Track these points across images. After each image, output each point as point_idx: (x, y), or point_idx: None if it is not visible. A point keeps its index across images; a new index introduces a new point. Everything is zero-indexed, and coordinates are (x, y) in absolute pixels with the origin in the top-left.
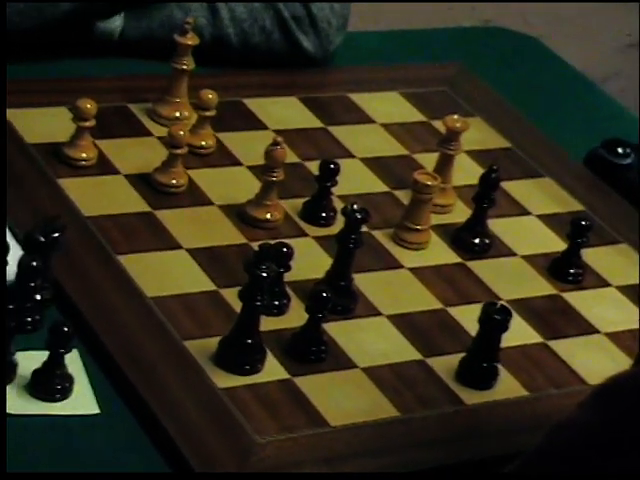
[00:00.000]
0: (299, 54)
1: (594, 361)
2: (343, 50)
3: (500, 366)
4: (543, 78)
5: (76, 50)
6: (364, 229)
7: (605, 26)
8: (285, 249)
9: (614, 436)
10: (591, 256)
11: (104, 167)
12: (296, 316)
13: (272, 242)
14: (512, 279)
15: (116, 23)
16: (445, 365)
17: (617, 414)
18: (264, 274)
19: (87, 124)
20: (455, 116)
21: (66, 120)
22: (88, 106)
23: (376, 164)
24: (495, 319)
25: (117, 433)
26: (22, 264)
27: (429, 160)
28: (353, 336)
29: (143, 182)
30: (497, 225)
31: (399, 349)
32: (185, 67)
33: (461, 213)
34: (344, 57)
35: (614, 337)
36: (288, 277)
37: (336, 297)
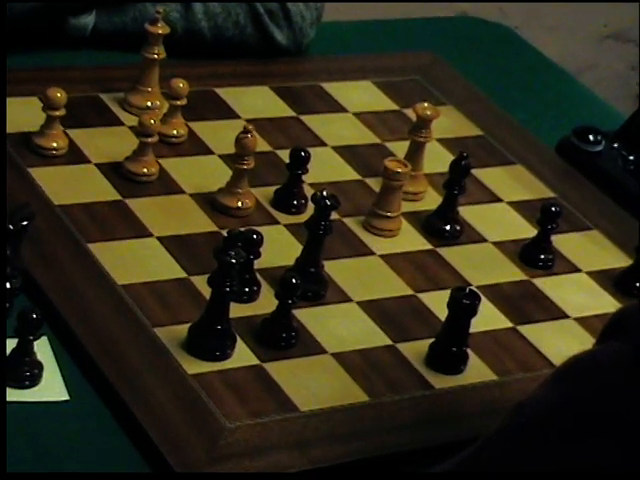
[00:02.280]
0: (273, 48)
1: (563, 345)
2: (316, 40)
3: (469, 351)
4: (516, 67)
5: (48, 41)
6: (335, 216)
7: (582, 18)
8: (255, 236)
9: (573, 415)
10: (562, 242)
11: (75, 156)
12: (266, 302)
13: (242, 229)
14: (483, 265)
15: (88, 18)
16: (415, 350)
17: (576, 393)
18: (232, 260)
19: (57, 113)
20: (425, 104)
21: (37, 110)
22: (58, 95)
23: (348, 152)
24: (463, 304)
25: (87, 420)
26: None
27: (401, 148)
28: (323, 322)
29: (114, 171)
30: (468, 212)
31: (369, 335)
32: (156, 56)
33: (432, 200)
34: (317, 47)
35: (583, 322)
36: (259, 264)
37: (306, 283)
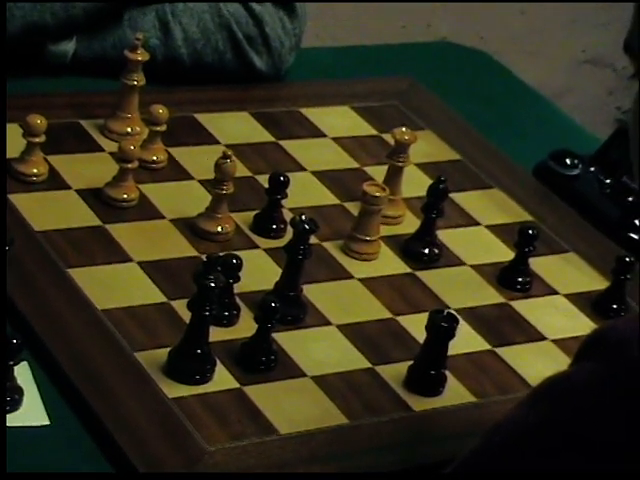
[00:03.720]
0: (252, 74)
1: (541, 367)
2: (295, 66)
3: (448, 373)
4: (494, 92)
5: (28, 68)
6: (314, 240)
7: (560, 43)
8: (234, 260)
9: (549, 435)
10: (539, 265)
11: (55, 182)
12: (246, 326)
13: (221, 254)
14: (461, 288)
15: (68, 45)
16: (394, 373)
17: (551, 415)
18: (212, 284)
19: (37, 140)
20: (403, 128)
21: (17, 136)
22: (38, 122)
23: (327, 177)
24: (441, 326)
25: (68, 444)
26: None
27: (380, 173)
28: (302, 345)
29: (94, 197)
30: (447, 235)
31: (348, 358)
32: (135, 83)
33: (411, 224)
34: (296, 73)
35: (561, 344)
36: (238, 288)
37: (285, 307)
